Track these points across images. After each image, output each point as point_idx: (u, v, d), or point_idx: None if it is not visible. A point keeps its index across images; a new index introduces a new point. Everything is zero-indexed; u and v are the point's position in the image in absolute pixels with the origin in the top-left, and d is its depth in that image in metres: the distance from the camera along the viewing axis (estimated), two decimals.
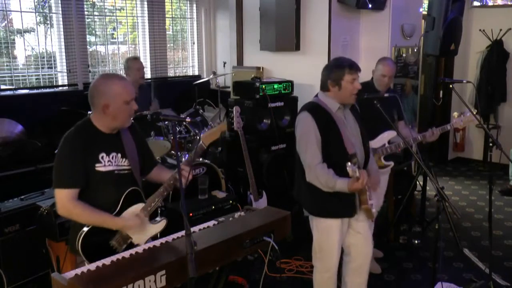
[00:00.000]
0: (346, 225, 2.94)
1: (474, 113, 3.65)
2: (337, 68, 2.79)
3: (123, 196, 2.43)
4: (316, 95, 2.94)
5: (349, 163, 2.54)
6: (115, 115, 2.39)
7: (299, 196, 2.99)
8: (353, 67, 2.78)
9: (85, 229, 2.37)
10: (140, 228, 2.46)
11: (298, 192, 2.99)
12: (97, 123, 2.43)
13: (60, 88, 5.00)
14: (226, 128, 2.71)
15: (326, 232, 2.92)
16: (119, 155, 2.46)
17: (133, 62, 4.44)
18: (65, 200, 2.31)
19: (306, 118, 2.81)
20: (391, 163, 3.76)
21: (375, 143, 3.68)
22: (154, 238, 2.54)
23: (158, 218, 2.57)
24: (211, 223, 2.56)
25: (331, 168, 2.76)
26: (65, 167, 2.34)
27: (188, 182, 2.44)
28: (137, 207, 2.49)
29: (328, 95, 2.85)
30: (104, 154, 2.40)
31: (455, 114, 3.80)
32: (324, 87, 2.86)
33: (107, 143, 2.43)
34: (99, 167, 2.37)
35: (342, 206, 2.86)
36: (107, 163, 2.40)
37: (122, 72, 5.56)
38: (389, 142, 3.72)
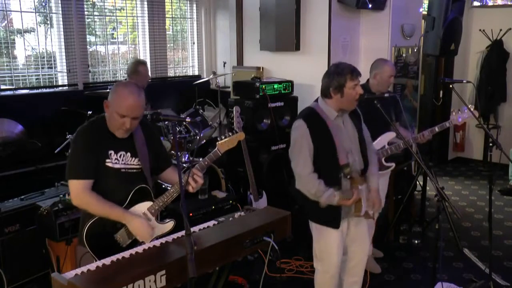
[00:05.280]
0: (346, 226, 2.94)
1: (473, 112, 3.64)
2: (339, 75, 2.76)
3: (132, 193, 2.48)
4: (317, 100, 2.93)
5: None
6: (109, 117, 2.46)
7: (298, 197, 2.99)
8: (354, 73, 2.76)
9: (92, 220, 2.42)
10: (144, 234, 2.47)
11: (297, 193, 2.99)
12: (107, 121, 2.50)
13: (60, 88, 5.00)
14: (243, 137, 2.72)
15: (324, 235, 2.92)
16: (129, 154, 2.50)
17: (143, 67, 4.42)
18: (79, 191, 2.39)
19: (300, 126, 2.81)
20: (392, 165, 3.75)
21: (375, 145, 3.68)
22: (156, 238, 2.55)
23: (167, 219, 2.58)
24: (211, 223, 2.56)
25: (322, 178, 2.76)
26: (78, 159, 2.41)
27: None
28: (145, 205, 2.52)
29: (328, 102, 2.83)
30: (112, 152, 2.46)
31: (453, 111, 3.80)
32: (325, 94, 2.83)
33: (117, 141, 2.48)
34: (108, 163, 2.44)
35: (327, 216, 2.86)
36: (114, 160, 2.46)
37: (123, 72, 5.58)
38: (388, 143, 3.71)
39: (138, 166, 2.53)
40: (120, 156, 2.47)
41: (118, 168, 2.46)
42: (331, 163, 2.76)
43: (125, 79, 4.63)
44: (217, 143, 2.61)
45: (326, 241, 2.92)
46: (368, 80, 3.87)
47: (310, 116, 2.84)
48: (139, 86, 2.50)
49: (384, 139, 3.69)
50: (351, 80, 2.75)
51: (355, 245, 3.02)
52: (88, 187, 2.40)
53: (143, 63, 4.50)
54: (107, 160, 2.44)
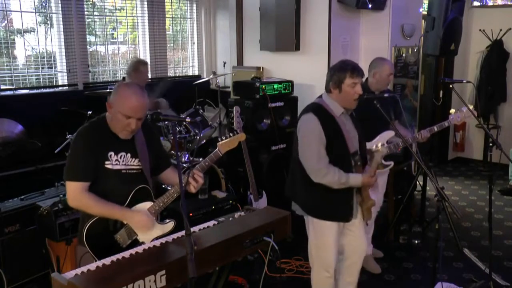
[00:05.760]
0: (342, 224, 2.96)
1: (472, 111, 3.64)
2: (340, 71, 2.79)
3: (132, 193, 2.48)
4: (320, 96, 2.95)
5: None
6: (112, 118, 2.45)
7: (294, 194, 3.00)
8: (355, 71, 2.77)
9: (92, 220, 2.41)
10: (146, 227, 2.47)
11: (293, 191, 3.00)
12: (109, 122, 2.48)
13: (60, 88, 5.00)
14: (244, 137, 2.72)
15: (322, 231, 2.93)
16: (129, 155, 2.50)
17: (144, 67, 4.44)
18: (77, 192, 2.38)
19: (311, 120, 2.80)
20: (391, 163, 3.76)
21: (373, 144, 3.68)
22: (156, 238, 2.55)
23: (167, 220, 2.58)
24: (211, 223, 2.56)
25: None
26: (77, 161, 2.41)
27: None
28: (146, 205, 2.52)
29: (332, 97, 2.86)
30: (112, 153, 2.45)
31: (452, 110, 3.80)
32: (327, 88, 2.88)
33: (117, 142, 2.47)
34: (108, 165, 2.43)
35: (339, 211, 2.89)
36: (115, 162, 2.45)
37: (122, 72, 5.58)
38: (387, 142, 3.71)
39: (138, 167, 2.53)
40: (120, 157, 2.47)
41: (118, 169, 2.46)
42: (343, 152, 2.79)
43: (123, 78, 4.63)
44: (218, 143, 2.61)
45: (324, 238, 2.93)
46: (366, 79, 3.88)
47: (318, 109, 2.85)
48: (141, 86, 2.50)
49: (382, 138, 3.69)
50: (350, 77, 2.76)
51: (352, 245, 3.03)
52: (86, 188, 2.39)
53: (145, 63, 4.53)
54: (107, 162, 2.43)
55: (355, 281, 3.14)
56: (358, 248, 3.05)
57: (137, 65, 4.42)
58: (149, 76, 4.60)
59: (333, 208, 2.87)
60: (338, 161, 2.79)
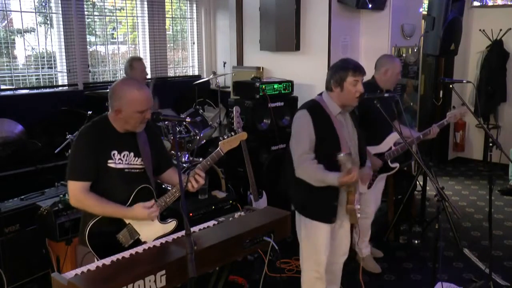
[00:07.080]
0: (333, 224, 2.94)
1: (469, 107, 3.65)
2: (342, 69, 2.79)
3: (134, 192, 2.48)
4: (321, 94, 2.94)
5: (342, 153, 2.54)
6: (126, 120, 2.44)
7: (289, 190, 3.00)
8: (357, 70, 2.78)
9: (94, 220, 2.42)
10: (149, 216, 2.46)
11: (288, 186, 2.99)
12: (112, 121, 2.49)
13: (60, 88, 5.00)
14: (246, 136, 2.73)
15: (314, 231, 2.91)
16: (132, 154, 2.50)
17: (138, 63, 4.42)
18: (78, 192, 2.39)
19: (304, 116, 2.81)
20: (397, 166, 3.75)
21: (382, 148, 3.67)
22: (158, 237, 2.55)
23: (169, 219, 2.58)
24: (211, 223, 2.56)
25: (326, 168, 2.75)
26: (78, 160, 2.41)
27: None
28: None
29: (331, 96, 2.85)
30: (115, 152, 2.45)
31: (450, 110, 3.82)
32: (327, 87, 2.87)
33: (120, 141, 2.48)
34: (111, 163, 2.43)
35: (322, 211, 2.86)
36: (118, 161, 2.45)
37: (122, 72, 5.58)
38: (394, 144, 3.70)
39: (141, 166, 2.53)
40: (123, 156, 2.47)
41: (121, 168, 2.46)
42: (333, 152, 2.75)
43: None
44: (219, 142, 2.61)
45: (315, 238, 2.91)
46: (373, 77, 3.86)
47: (314, 107, 2.86)
48: (132, 78, 2.51)
49: (390, 140, 3.68)
50: (352, 75, 2.76)
51: (332, 245, 3.01)
52: (87, 188, 2.39)
53: (138, 58, 4.51)
54: (110, 161, 2.43)
55: (338, 281, 3.18)
56: (338, 248, 3.06)
57: (131, 62, 4.41)
58: (146, 72, 4.57)
59: (317, 207, 2.86)
60: (326, 160, 2.75)
